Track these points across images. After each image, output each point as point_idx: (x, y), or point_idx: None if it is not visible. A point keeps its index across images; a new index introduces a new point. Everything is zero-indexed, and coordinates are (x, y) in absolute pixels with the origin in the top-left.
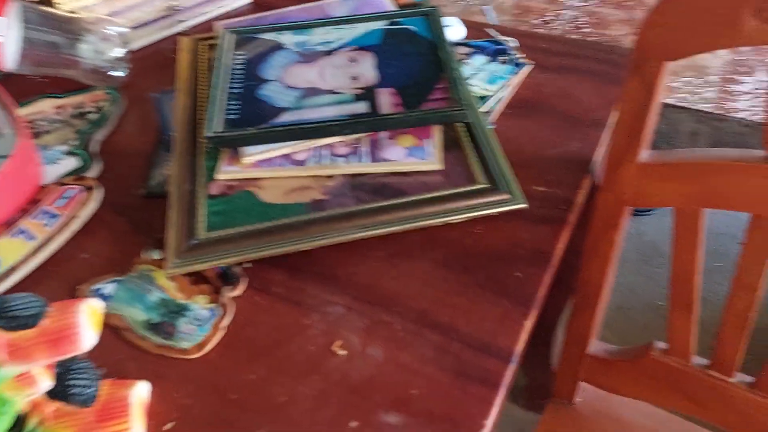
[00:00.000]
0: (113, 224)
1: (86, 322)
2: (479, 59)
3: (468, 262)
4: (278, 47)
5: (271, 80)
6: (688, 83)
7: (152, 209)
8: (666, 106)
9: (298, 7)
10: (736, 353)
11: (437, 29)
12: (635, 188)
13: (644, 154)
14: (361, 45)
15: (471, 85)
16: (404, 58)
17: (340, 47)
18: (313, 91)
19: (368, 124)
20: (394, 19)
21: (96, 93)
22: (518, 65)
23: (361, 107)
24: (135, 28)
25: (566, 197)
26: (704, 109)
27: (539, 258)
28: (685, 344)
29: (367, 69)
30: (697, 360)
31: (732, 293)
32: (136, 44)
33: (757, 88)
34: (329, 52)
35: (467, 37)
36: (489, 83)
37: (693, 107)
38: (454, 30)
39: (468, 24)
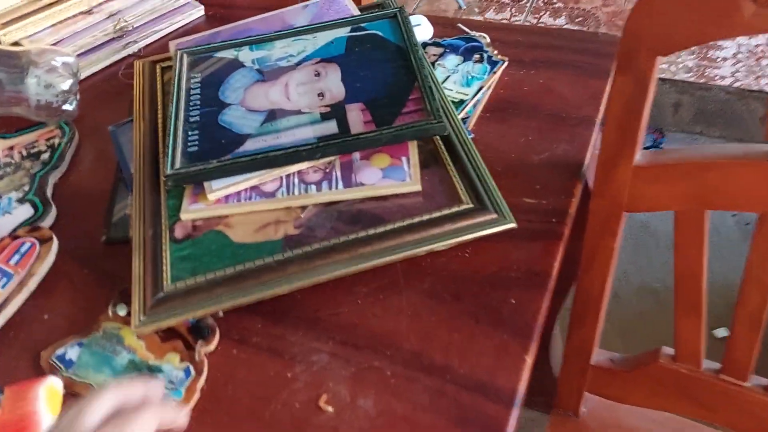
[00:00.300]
0: (75, 277)
1: (45, 409)
2: (452, 60)
3: (458, 290)
4: (237, 65)
5: (232, 104)
6: None
7: (116, 256)
8: None
9: (255, 18)
10: (750, 356)
11: (405, 32)
12: (631, 192)
13: (639, 156)
14: (324, 56)
15: (445, 89)
16: (372, 67)
17: (303, 60)
18: (277, 113)
19: (338, 146)
20: (358, 25)
21: (47, 129)
22: (493, 63)
23: (330, 127)
24: (83, 54)
25: (558, 208)
26: (686, 79)
27: (534, 280)
28: (694, 350)
29: (333, 83)
30: (708, 364)
31: (742, 292)
32: (87, 71)
33: (738, 53)
34: (292, 67)
35: (435, 35)
36: (464, 86)
37: (674, 78)
38: (421, 29)
39: (435, 20)
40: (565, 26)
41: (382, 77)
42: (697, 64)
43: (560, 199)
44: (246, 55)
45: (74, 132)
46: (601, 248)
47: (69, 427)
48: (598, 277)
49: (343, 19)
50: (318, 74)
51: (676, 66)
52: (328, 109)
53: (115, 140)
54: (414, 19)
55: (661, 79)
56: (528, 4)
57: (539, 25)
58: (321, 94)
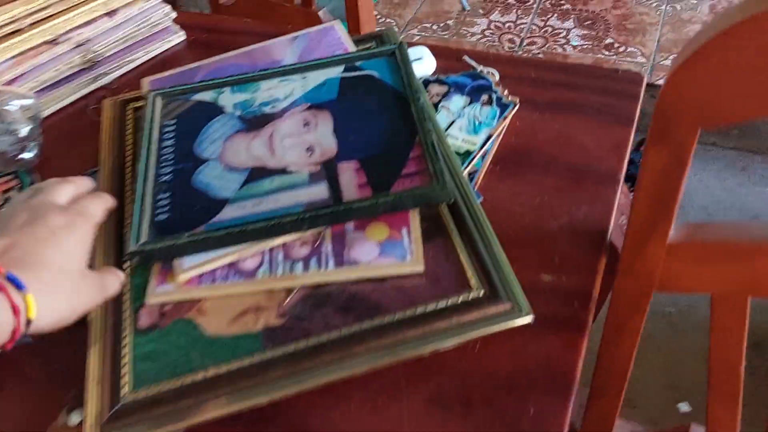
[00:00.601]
0: (25, 371)
1: None
2: (457, 101)
3: (468, 396)
4: (217, 111)
5: (209, 159)
6: None
7: (73, 343)
8: (654, 87)
9: (239, 52)
10: None
11: (405, 74)
12: (664, 272)
13: (674, 232)
14: (315, 101)
15: (450, 137)
16: (368, 117)
17: (291, 106)
18: (260, 172)
19: (328, 217)
20: (353, 63)
21: (4, 179)
22: (503, 106)
23: (320, 192)
24: (47, 88)
25: (580, 288)
26: None
27: (555, 382)
28: None
29: (324, 135)
30: None
31: None
32: (51, 108)
33: None
34: (278, 115)
35: (439, 69)
36: (471, 133)
37: None
38: (423, 64)
39: (438, 52)
40: (573, 30)
41: (379, 129)
42: None
43: (582, 276)
44: (227, 98)
45: (34, 183)
46: (627, 327)
47: (42, 200)
48: (622, 354)
49: (335, 57)
50: (307, 124)
51: None
52: (318, 167)
53: None
54: (414, 52)
55: None
56: (534, 6)
57: (553, 50)
58: (310, 149)
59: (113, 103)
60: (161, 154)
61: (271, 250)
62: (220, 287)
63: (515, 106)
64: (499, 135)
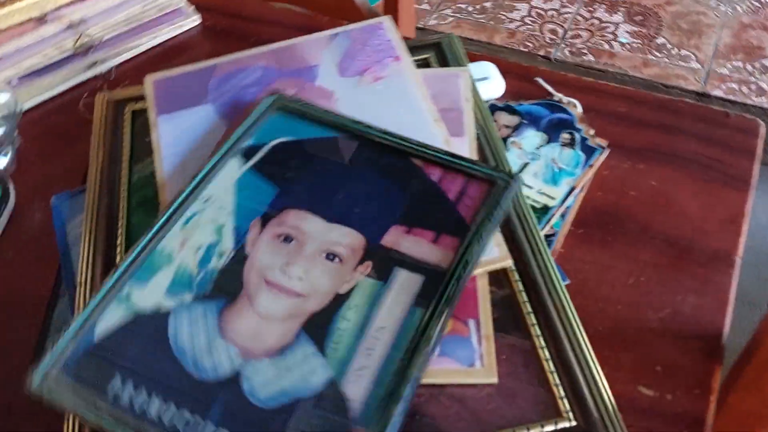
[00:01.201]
0: None
1: None
2: (531, 137)
3: None
4: (153, 328)
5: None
6: (738, 69)
7: (42, 422)
8: (707, 97)
9: (263, 50)
10: None
11: (315, 114)
12: None
13: None
14: (259, 212)
15: (524, 185)
16: (343, 183)
17: (241, 235)
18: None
19: (451, 294)
20: (241, 146)
21: None
22: (589, 150)
23: (411, 281)
24: (28, 77)
25: (690, 411)
26: (758, 104)
27: None
28: None
29: (323, 232)
30: None
31: None
32: (33, 101)
33: None
34: (240, 254)
35: (507, 94)
36: (549, 182)
37: (744, 102)
38: (491, 84)
39: (505, 68)
40: (621, 24)
41: (369, 185)
42: None
43: (692, 394)
44: (144, 296)
45: (9, 196)
46: None
47: None
48: None
49: (213, 160)
50: (287, 238)
51: (746, 86)
52: (367, 267)
53: (57, 220)
54: (480, 69)
55: (728, 101)
56: None
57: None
58: (332, 255)
59: (108, 101)
60: None
61: None
62: None
63: (604, 152)
64: (583, 188)
